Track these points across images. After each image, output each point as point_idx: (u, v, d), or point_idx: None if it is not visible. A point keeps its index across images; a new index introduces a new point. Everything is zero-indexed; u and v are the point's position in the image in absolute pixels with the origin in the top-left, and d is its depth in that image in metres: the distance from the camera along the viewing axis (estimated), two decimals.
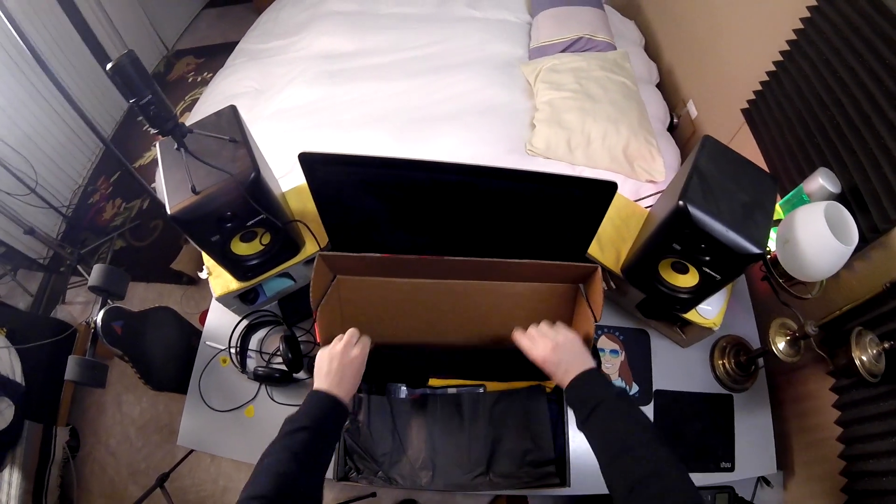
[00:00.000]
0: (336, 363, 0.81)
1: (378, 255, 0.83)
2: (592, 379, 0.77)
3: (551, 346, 0.81)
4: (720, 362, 1.20)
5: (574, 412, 0.77)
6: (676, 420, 1.15)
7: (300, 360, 1.13)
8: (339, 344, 0.83)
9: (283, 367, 1.13)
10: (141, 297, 2.50)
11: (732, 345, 1.21)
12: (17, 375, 1.90)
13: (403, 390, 0.98)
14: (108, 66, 0.75)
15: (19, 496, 1.73)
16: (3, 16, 1.08)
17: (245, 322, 1.23)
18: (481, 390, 0.96)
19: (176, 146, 0.88)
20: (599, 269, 0.85)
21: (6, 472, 1.76)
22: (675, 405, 1.16)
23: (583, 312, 0.91)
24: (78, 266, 2.41)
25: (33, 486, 1.80)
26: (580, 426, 0.75)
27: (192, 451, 1.83)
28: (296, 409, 1.13)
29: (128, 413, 2.17)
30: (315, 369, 0.83)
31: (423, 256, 0.83)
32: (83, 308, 2.51)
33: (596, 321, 0.84)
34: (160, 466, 1.85)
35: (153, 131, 0.84)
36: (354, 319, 0.96)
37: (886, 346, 0.88)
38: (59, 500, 1.93)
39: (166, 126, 0.81)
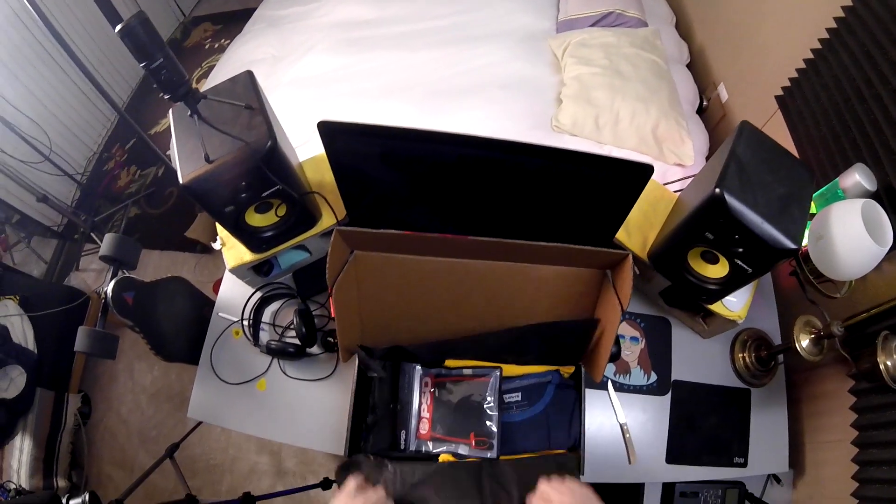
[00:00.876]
0: None
1: (398, 231, 0.79)
2: None
3: None
4: (740, 356, 1.17)
5: None
6: (692, 412, 1.13)
7: (314, 334, 1.12)
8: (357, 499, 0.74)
9: (297, 342, 1.11)
10: (155, 264, 2.51)
11: (754, 339, 1.18)
12: (30, 343, 1.92)
13: (419, 370, 0.97)
14: (118, 27, 0.72)
15: (30, 462, 1.77)
16: None
17: (258, 294, 1.22)
18: (498, 373, 0.94)
19: (189, 113, 0.85)
20: (630, 257, 0.81)
21: (18, 439, 1.80)
22: (692, 396, 1.14)
23: (608, 300, 0.87)
24: (92, 233, 2.42)
25: (44, 454, 1.84)
26: None
27: (198, 423, 1.87)
28: (307, 382, 1.14)
29: (139, 381, 2.20)
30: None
31: (445, 235, 0.80)
32: (97, 276, 2.53)
33: (623, 311, 0.81)
34: (171, 435, 1.88)
35: (166, 97, 0.81)
36: (372, 298, 0.94)
37: None
38: (69, 467, 1.97)
39: (178, 91, 0.77)
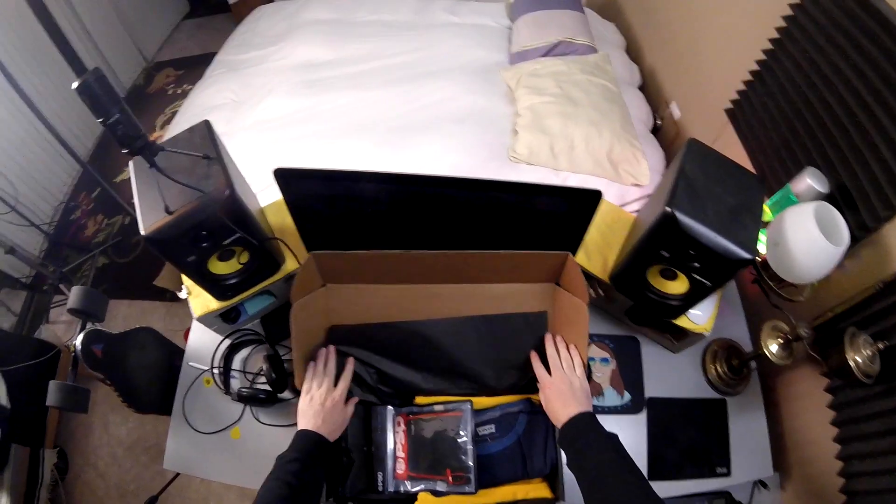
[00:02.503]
0: (318, 408, 0.86)
1: (363, 252, 0.86)
2: (588, 422, 0.81)
3: (560, 383, 0.87)
4: (712, 367, 1.19)
5: (566, 451, 0.81)
6: (670, 427, 1.13)
7: (284, 379, 1.10)
8: (318, 391, 0.87)
9: (268, 388, 1.10)
10: (125, 314, 2.46)
11: (724, 349, 1.20)
12: (2, 398, 1.86)
13: (390, 409, 0.96)
14: (74, 84, 0.72)
15: None
16: None
17: (227, 342, 1.20)
18: (469, 406, 0.94)
19: (148, 165, 0.85)
20: (570, 255, 0.86)
21: None
22: (668, 412, 1.15)
23: (571, 307, 0.92)
24: (60, 285, 2.36)
25: None
26: (570, 465, 0.79)
27: (176, 474, 1.81)
28: (281, 428, 1.13)
29: (115, 434, 2.13)
30: (298, 415, 0.87)
31: (404, 252, 0.86)
32: (67, 327, 2.46)
33: (586, 303, 0.87)
34: (150, 487, 1.82)
35: (124, 151, 0.82)
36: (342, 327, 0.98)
37: (881, 346, 0.87)
38: None
39: (135, 145, 0.78)
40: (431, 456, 0.93)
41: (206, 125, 0.94)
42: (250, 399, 1.10)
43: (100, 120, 0.76)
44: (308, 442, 0.83)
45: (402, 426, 0.95)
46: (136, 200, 0.88)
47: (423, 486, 0.90)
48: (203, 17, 4.05)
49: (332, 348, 0.94)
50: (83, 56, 3.02)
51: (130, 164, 0.93)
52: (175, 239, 0.85)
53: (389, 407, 0.96)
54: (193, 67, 3.49)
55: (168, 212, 0.82)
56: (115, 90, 0.76)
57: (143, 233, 0.83)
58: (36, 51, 2.63)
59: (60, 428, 2.12)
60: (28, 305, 2.56)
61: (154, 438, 2.08)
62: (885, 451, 0.89)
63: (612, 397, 1.15)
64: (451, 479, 0.89)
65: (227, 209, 0.84)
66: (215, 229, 0.87)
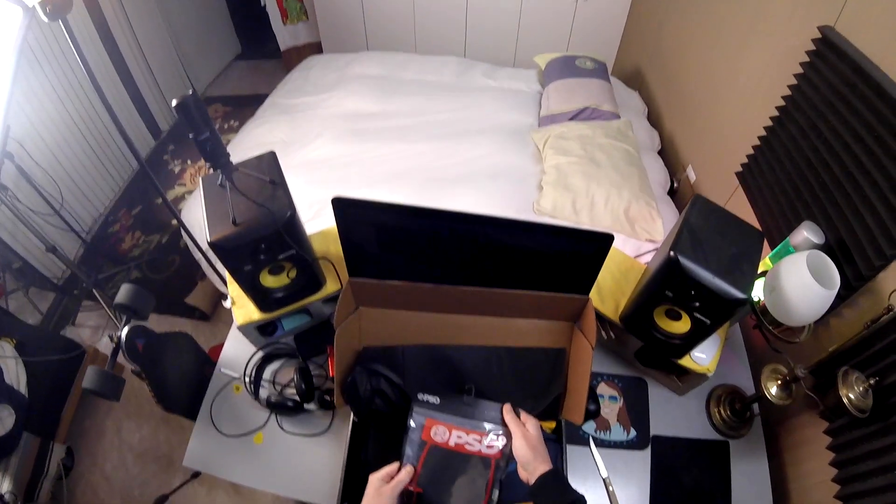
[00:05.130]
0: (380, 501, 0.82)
1: (398, 282, 0.95)
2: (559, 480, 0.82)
3: (536, 435, 0.86)
4: (716, 410, 1.24)
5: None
6: (673, 465, 1.18)
7: (312, 391, 1.19)
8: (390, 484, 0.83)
9: (296, 398, 1.18)
10: (154, 326, 2.54)
11: (728, 393, 1.26)
12: (22, 387, 1.92)
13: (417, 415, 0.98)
14: (174, 101, 0.85)
15: (10, 501, 1.72)
16: (69, 41, 1.18)
17: (261, 353, 1.29)
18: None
19: (219, 181, 0.98)
20: (590, 301, 0.93)
21: None
22: (671, 451, 1.20)
23: (580, 345, 0.98)
24: (94, 290, 2.47)
25: (23, 498, 1.79)
26: None
27: (190, 478, 1.85)
28: (302, 438, 1.20)
29: (127, 439, 2.17)
30: (366, 494, 0.84)
31: (437, 285, 0.95)
32: (93, 332, 2.56)
33: (592, 347, 0.92)
34: (154, 496, 1.84)
35: (208, 165, 0.94)
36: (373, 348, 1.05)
37: (872, 382, 0.93)
38: None
39: (220, 161, 0.91)
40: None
41: (273, 155, 1.07)
42: (278, 406, 1.18)
43: (191, 136, 0.89)
44: None
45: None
46: (203, 212, 1.00)
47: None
48: (254, 59, 4.36)
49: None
50: (140, 83, 3.30)
51: (200, 180, 1.06)
52: (237, 248, 0.96)
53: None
54: (241, 106, 3.77)
55: (235, 223, 0.94)
56: (207, 112, 0.90)
57: (209, 239, 0.94)
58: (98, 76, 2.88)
59: (73, 426, 2.16)
60: (56, 306, 2.65)
61: (166, 449, 2.12)
62: (884, 487, 0.92)
63: (618, 433, 1.21)
64: None
65: (287, 227, 0.96)
66: (273, 244, 0.98)
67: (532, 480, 0.81)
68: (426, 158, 2.20)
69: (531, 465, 0.82)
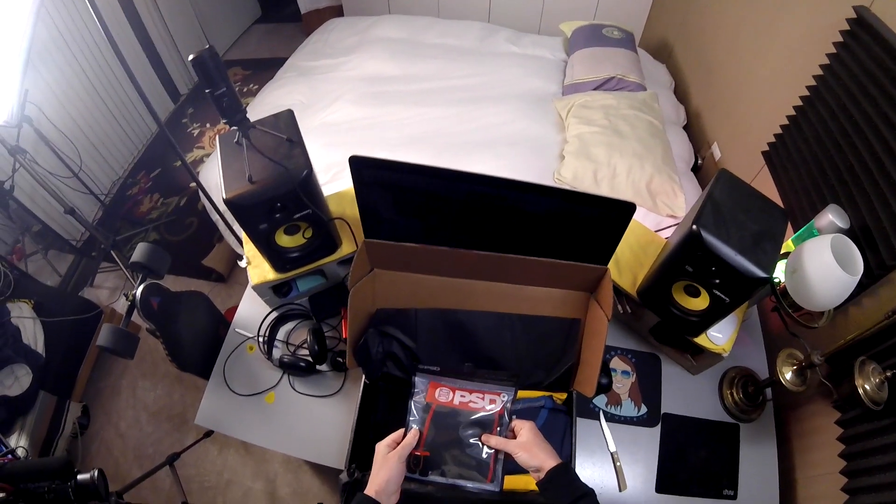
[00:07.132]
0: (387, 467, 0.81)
1: (413, 244, 0.93)
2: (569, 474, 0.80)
3: (532, 438, 0.84)
4: (728, 392, 1.23)
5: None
6: (682, 443, 1.17)
7: (325, 352, 1.20)
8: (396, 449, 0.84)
9: (309, 358, 1.19)
10: (170, 287, 2.58)
11: (741, 376, 1.24)
12: (39, 346, 1.97)
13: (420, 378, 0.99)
14: (191, 56, 0.84)
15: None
16: (88, 5, 1.16)
17: (275, 313, 1.30)
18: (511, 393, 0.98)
19: (236, 139, 0.97)
20: (608, 271, 0.91)
21: (14, 437, 1.80)
22: (681, 429, 1.19)
23: (595, 316, 0.97)
24: (112, 251, 2.50)
25: (38, 456, 1.85)
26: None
27: (203, 436, 1.90)
28: (314, 398, 1.21)
29: (142, 398, 2.23)
30: (374, 462, 0.84)
31: (452, 249, 0.93)
32: (110, 293, 2.61)
33: (608, 319, 0.91)
34: (167, 453, 1.89)
35: (224, 121, 0.93)
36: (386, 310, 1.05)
37: (889, 374, 0.91)
38: None
39: (235, 117, 0.89)
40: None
41: (290, 113, 1.06)
42: (291, 367, 1.19)
43: (208, 91, 0.87)
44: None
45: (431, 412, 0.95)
46: (219, 170, 0.99)
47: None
48: (273, 23, 4.32)
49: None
50: (159, 47, 3.28)
51: (217, 138, 1.05)
52: (253, 206, 0.96)
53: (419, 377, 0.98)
54: (260, 69, 3.74)
55: (251, 181, 0.93)
56: (224, 67, 0.88)
57: (224, 197, 0.94)
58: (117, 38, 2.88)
59: (89, 386, 2.22)
60: (74, 268, 2.69)
61: (180, 408, 2.17)
62: (890, 484, 0.90)
63: (629, 408, 1.20)
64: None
65: (304, 186, 0.95)
66: (290, 203, 0.97)
67: (542, 476, 0.80)
68: (446, 123, 2.16)
69: (539, 465, 0.81)
